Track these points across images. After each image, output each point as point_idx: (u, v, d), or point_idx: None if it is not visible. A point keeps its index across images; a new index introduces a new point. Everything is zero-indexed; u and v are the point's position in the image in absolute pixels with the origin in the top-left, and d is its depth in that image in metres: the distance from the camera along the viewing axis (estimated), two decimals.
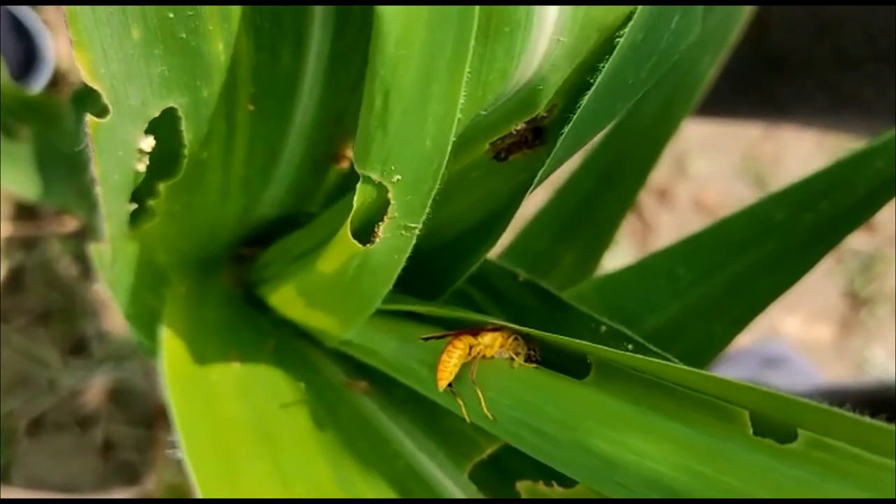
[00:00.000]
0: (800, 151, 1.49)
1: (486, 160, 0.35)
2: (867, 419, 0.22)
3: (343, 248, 0.34)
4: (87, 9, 0.28)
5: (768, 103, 0.71)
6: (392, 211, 0.31)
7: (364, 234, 0.33)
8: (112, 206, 0.38)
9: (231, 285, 0.49)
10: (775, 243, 0.47)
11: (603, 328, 0.36)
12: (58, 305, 1.22)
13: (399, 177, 0.30)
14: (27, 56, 1.11)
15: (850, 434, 0.23)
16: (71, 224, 1.20)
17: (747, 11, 0.61)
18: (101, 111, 0.32)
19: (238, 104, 0.38)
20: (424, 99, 0.28)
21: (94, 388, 1.18)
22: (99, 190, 0.36)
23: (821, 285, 1.49)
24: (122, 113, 0.32)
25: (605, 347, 0.28)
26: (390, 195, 0.31)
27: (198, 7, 0.31)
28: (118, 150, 0.35)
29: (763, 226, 0.47)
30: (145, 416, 1.19)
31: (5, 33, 1.09)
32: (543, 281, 0.39)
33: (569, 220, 0.61)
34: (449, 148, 0.29)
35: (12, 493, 1.06)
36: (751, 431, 0.25)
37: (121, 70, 0.31)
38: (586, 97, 0.29)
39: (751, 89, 0.72)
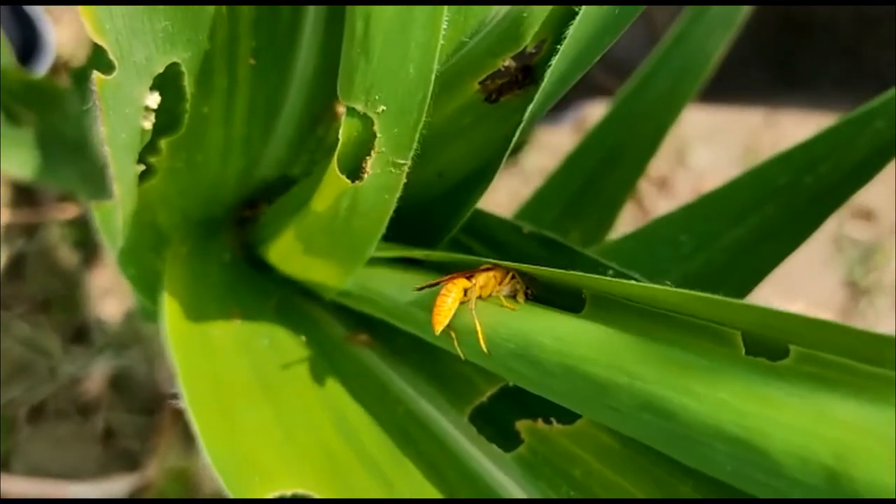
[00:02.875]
0: (800, 140, 1.49)
1: (477, 102, 0.35)
2: (856, 327, 0.22)
3: (332, 185, 0.34)
4: None
5: (788, 72, 0.71)
6: (379, 145, 0.31)
7: (354, 170, 0.33)
8: (121, 166, 0.38)
9: (233, 246, 0.50)
10: (776, 207, 0.47)
11: (610, 272, 0.36)
12: (58, 293, 1.22)
13: (384, 107, 0.30)
14: (28, 43, 1.11)
15: (841, 344, 0.23)
16: (71, 211, 1.20)
17: None
18: (107, 68, 0.32)
19: (239, 58, 0.39)
20: (406, 24, 0.28)
21: (95, 375, 1.18)
22: (107, 150, 0.36)
23: (821, 275, 1.50)
24: (128, 69, 0.33)
25: (598, 276, 0.28)
26: (376, 127, 0.31)
27: None
28: (125, 107, 0.35)
29: (764, 190, 0.47)
30: (146, 404, 1.20)
31: (6, 21, 1.09)
32: (548, 231, 0.39)
33: (574, 197, 0.62)
34: (433, 77, 0.30)
35: (13, 481, 1.06)
36: (743, 352, 0.25)
37: (126, 26, 0.31)
38: (571, 26, 0.29)
39: (772, 57, 0.72)
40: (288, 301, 0.47)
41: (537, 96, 0.32)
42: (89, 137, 0.85)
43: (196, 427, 0.37)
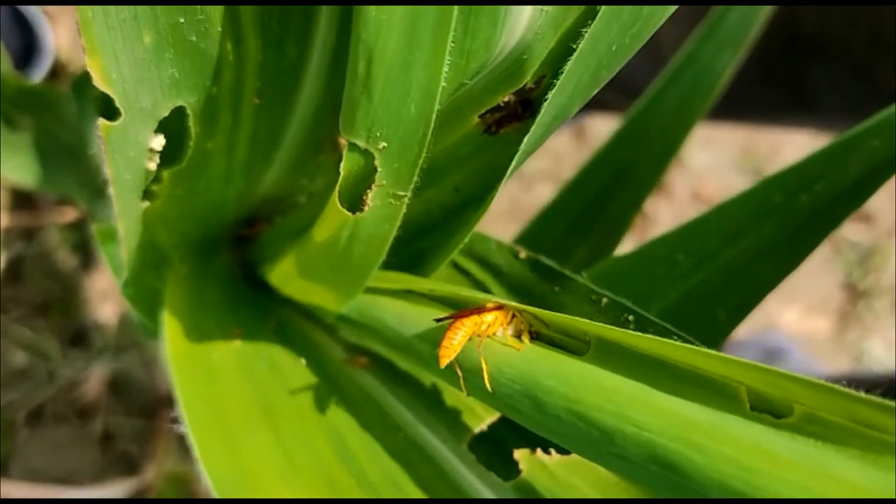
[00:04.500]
0: (797, 144, 1.49)
1: (477, 134, 0.35)
2: (860, 394, 0.22)
3: (334, 217, 0.34)
4: (99, 15, 0.29)
5: (798, 92, 0.70)
6: (380, 178, 0.32)
7: (354, 202, 0.33)
8: (125, 205, 0.38)
9: (232, 266, 0.50)
10: (772, 226, 0.46)
11: (604, 300, 0.36)
12: (57, 296, 1.22)
13: (385, 144, 0.31)
14: (27, 46, 1.11)
15: (844, 409, 0.23)
16: (70, 214, 1.20)
17: (767, 10, 0.61)
18: (112, 114, 0.32)
19: (244, 98, 0.39)
20: (408, 65, 0.28)
21: (93, 378, 1.18)
22: (112, 190, 0.36)
23: (819, 277, 1.50)
24: (133, 115, 0.33)
25: (604, 325, 0.28)
26: (377, 162, 0.31)
27: (207, 9, 0.32)
28: (130, 150, 0.35)
29: (759, 209, 0.47)
30: (144, 407, 1.19)
31: (5, 24, 1.09)
32: (543, 256, 0.39)
33: (582, 214, 0.62)
34: (434, 115, 0.30)
35: (12, 486, 1.06)
36: (748, 407, 0.25)
37: (132, 74, 0.31)
38: (569, 63, 0.29)
39: (781, 76, 0.71)
40: (288, 322, 0.47)
41: (533, 128, 0.32)
42: (87, 143, 0.85)
43: (197, 451, 0.37)
